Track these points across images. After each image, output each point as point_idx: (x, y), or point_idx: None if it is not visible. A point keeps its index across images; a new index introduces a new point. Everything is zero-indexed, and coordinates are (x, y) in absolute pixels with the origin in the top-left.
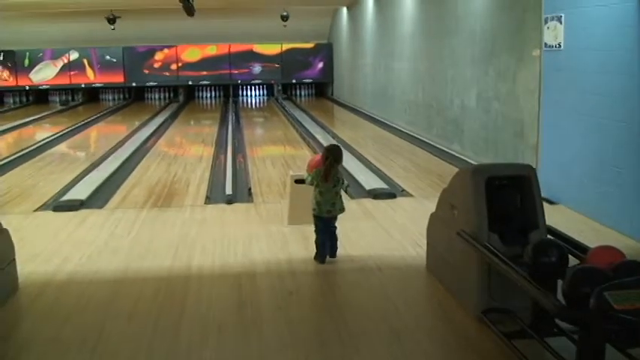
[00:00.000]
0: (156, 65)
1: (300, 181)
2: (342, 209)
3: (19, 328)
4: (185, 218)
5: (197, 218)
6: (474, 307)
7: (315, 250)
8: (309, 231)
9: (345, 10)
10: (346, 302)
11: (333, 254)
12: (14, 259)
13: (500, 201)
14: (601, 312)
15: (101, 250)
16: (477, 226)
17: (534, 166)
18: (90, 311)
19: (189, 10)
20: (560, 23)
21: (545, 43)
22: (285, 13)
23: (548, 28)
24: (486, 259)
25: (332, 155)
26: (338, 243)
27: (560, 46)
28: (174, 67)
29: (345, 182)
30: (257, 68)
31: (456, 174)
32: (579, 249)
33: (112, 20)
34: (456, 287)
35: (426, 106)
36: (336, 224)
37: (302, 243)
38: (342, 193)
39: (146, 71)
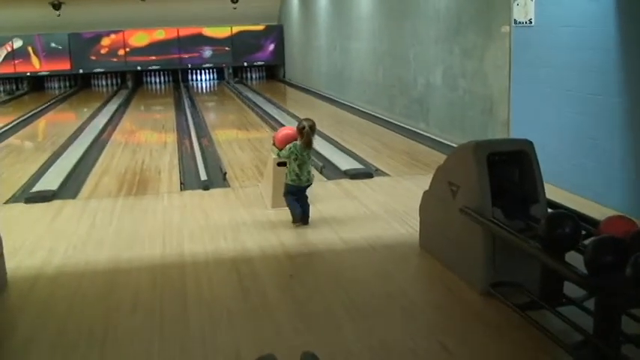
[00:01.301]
0: (103, 51)
1: (282, 163)
2: (313, 176)
3: (19, 324)
4: (164, 206)
5: (177, 205)
6: (481, 281)
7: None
8: None
9: None
10: (349, 283)
11: (307, 220)
12: (1, 254)
13: (500, 176)
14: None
15: (85, 241)
16: (480, 202)
17: None
18: (90, 304)
19: None
20: (531, 0)
21: (515, 20)
22: None
23: (517, 4)
24: (493, 234)
25: (307, 124)
26: (313, 213)
27: (531, 22)
28: (121, 52)
29: (320, 163)
30: (207, 52)
31: (454, 152)
32: (585, 220)
33: (57, 6)
34: (457, 264)
35: (387, 86)
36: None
37: (290, 225)
38: (318, 174)
39: (93, 57)
